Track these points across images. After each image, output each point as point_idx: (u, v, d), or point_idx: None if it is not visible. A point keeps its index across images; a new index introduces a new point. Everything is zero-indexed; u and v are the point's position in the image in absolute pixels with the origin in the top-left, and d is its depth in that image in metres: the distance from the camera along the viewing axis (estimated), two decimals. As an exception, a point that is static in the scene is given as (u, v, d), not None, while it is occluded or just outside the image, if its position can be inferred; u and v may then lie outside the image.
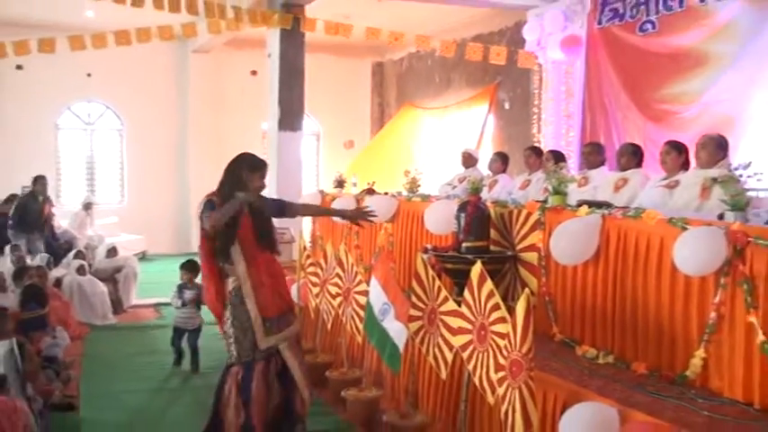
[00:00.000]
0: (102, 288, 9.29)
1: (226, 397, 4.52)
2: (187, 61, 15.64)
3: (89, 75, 14.92)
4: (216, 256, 4.56)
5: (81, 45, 10.18)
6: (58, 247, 10.97)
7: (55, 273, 9.12)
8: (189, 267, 7.17)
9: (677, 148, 5.63)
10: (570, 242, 4.79)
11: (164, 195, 15.62)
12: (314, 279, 6.55)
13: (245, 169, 4.56)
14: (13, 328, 5.70)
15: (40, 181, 11.33)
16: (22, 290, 7.15)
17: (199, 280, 6.94)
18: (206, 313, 6.92)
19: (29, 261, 8.95)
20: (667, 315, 4.23)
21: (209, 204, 4.46)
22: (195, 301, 7.03)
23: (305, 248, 7.11)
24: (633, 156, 6.24)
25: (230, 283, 4.56)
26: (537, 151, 8.06)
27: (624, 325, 4.53)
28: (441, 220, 6.17)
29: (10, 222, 10.96)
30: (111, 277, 9.84)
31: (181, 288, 7.11)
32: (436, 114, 14.51)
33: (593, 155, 6.91)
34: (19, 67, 14.14)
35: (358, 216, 5.25)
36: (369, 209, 5.19)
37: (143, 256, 13.78)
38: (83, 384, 6.45)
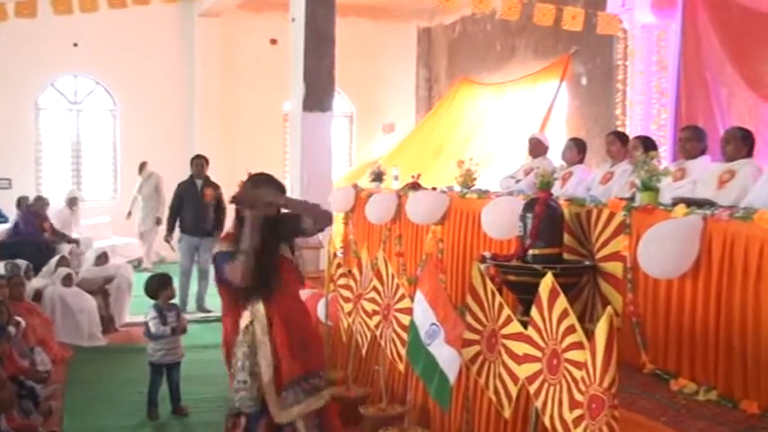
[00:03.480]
0: (91, 302, 9.39)
1: None
2: (193, 27, 15.81)
3: (76, 45, 15.13)
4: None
5: (67, 8, 10.29)
6: (38, 252, 11.12)
7: (34, 283, 9.24)
8: (166, 284, 6.89)
9: (798, 134, 5.54)
10: (664, 250, 4.73)
11: (166, 190, 15.76)
12: (345, 293, 6.56)
13: (245, 206, 4.56)
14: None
15: (195, 162, 11.19)
16: None
17: (176, 300, 6.94)
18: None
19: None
20: (786, 342, 4.16)
21: (224, 256, 4.52)
22: (183, 328, 6.82)
23: (335, 255, 7.11)
24: (742, 142, 6.16)
25: (246, 318, 4.63)
26: (621, 137, 7.98)
27: (731, 353, 4.46)
28: (502, 222, 6.13)
29: (170, 225, 10.96)
30: (100, 289, 9.94)
31: (161, 311, 6.74)
32: (496, 91, 14.46)
33: (691, 141, 6.83)
34: (-7, 36, 14.42)
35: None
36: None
37: (139, 264, 13.92)
38: (66, 418, 6.53)
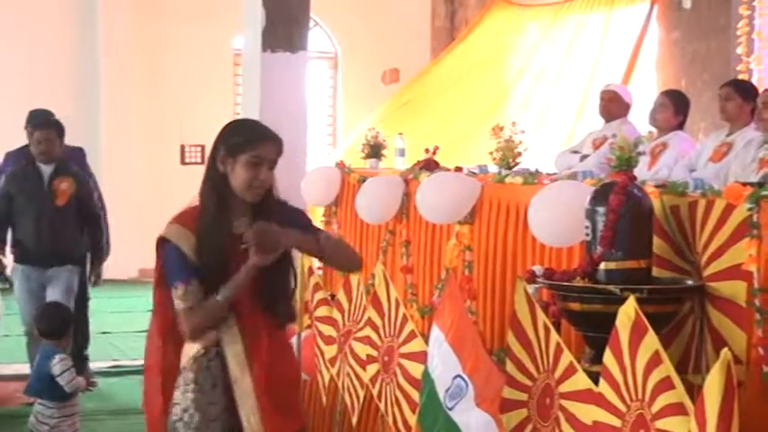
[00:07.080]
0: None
1: None
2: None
3: None
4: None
5: None
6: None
7: None
8: (61, 321, 7.00)
9: None
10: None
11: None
12: (327, 330, 6.62)
13: (221, 151, 4.66)
14: None
15: (35, 130, 9.43)
16: None
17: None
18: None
19: None
20: None
21: (171, 251, 4.55)
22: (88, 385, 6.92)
23: (311, 272, 7.11)
24: None
25: (193, 347, 4.64)
26: (744, 90, 7.98)
27: None
28: (560, 220, 6.11)
29: None
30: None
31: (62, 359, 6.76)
32: (550, 17, 14.48)
33: None
34: None
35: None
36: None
37: (7, 281, 13.80)
38: None
